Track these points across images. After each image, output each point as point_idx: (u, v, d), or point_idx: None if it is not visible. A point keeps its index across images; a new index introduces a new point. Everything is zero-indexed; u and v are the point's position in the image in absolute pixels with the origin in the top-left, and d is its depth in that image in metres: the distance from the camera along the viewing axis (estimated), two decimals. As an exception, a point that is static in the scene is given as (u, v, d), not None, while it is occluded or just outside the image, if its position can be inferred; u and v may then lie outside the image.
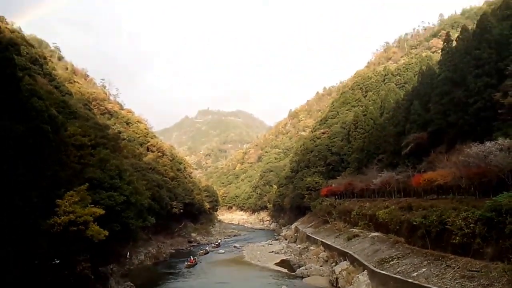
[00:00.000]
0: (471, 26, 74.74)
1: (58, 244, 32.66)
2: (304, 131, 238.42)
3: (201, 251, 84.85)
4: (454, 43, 63.32)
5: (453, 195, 44.54)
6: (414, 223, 42.98)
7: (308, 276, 54.82)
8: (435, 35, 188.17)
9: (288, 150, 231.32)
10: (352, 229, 65.04)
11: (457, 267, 32.45)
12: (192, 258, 72.57)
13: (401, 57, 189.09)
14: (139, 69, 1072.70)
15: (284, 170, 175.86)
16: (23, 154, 30.32)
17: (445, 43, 65.04)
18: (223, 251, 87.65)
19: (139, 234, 50.59)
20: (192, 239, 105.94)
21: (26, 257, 29.25)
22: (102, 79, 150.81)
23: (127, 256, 62.70)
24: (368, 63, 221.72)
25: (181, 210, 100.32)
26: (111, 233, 37.43)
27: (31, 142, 31.75)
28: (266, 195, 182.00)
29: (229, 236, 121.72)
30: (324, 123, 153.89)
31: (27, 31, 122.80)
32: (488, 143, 38.17)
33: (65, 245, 33.27)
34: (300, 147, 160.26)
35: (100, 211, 36.87)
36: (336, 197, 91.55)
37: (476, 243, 32.82)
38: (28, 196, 29.46)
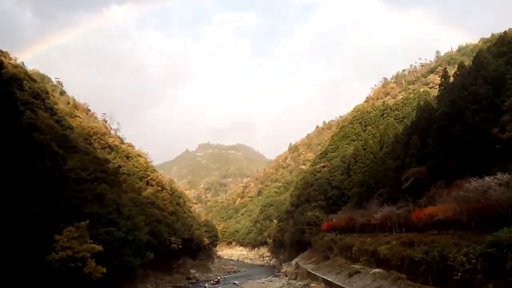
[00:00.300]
0: (468, 62, 76.12)
1: (56, 280, 32.27)
2: (304, 164, 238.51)
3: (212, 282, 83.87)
4: (451, 79, 64.27)
5: (454, 230, 44.08)
6: (416, 259, 42.65)
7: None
8: (432, 71, 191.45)
9: (288, 184, 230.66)
10: (354, 265, 64.14)
11: (460, 305, 32.03)
12: None
13: (399, 92, 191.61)
14: (141, 103, 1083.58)
15: (284, 204, 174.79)
16: (23, 189, 30.32)
17: (442, 79, 66.12)
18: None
19: (137, 270, 49.86)
20: (191, 276, 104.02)
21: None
22: (104, 114, 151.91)
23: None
24: (367, 98, 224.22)
25: (180, 246, 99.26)
26: (109, 270, 36.97)
27: (31, 177, 31.79)
28: (266, 230, 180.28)
29: (228, 272, 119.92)
30: (324, 157, 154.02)
31: (30, 66, 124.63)
32: (487, 178, 38.16)
33: (63, 282, 32.86)
34: (300, 181, 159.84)
35: (98, 248, 36.60)
36: (337, 232, 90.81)
37: (478, 279, 32.48)
38: (27, 231, 29.33)
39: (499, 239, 30.84)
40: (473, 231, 39.93)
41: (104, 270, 35.61)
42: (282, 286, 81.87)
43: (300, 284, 77.64)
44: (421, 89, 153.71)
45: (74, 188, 44.80)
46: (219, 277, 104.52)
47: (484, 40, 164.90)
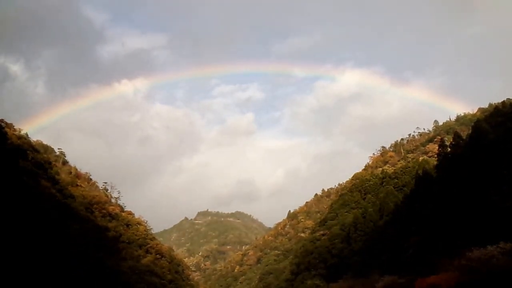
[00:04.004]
0: (466, 131, 77.86)
1: None
2: (303, 232, 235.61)
3: None
4: (449, 149, 65.58)
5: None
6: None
7: None
8: (430, 140, 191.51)
9: (287, 251, 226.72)
10: None
11: None
12: None
13: (398, 161, 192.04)
14: (145, 172, 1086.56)
15: (284, 272, 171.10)
16: (24, 256, 30.54)
17: (440, 148, 67.39)
18: None
19: None
20: None
21: None
22: (105, 183, 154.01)
23: None
24: (366, 166, 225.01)
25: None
26: None
27: (31, 243, 32.07)
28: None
29: None
30: (324, 225, 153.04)
31: (38, 136, 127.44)
32: (489, 247, 38.22)
33: None
34: (300, 248, 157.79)
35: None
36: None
37: None
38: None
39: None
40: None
41: None
42: None
43: None
44: (420, 158, 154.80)
45: (74, 255, 44.75)
46: None
47: (481, 110, 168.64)
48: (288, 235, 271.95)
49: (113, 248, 62.92)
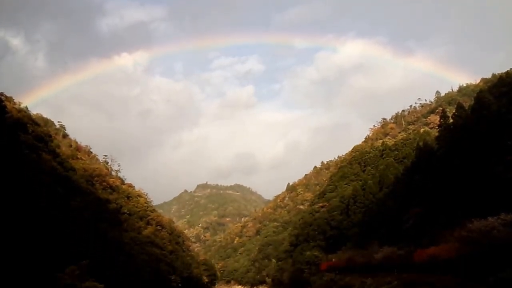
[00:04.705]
0: (469, 102, 76.76)
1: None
2: (302, 204, 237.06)
3: None
4: (451, 120, 64.95)
5: (457, 271, 43.76)
6: (419, 300, 42.50)
7: None
8: (432, 111, 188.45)
9: (286, 223, 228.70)
10: (354, 306, 63.36)
11: None
12: None
13: (399, 132, 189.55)
14: (146, 145, 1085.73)
15: (283, 243, 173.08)
16: (27, 228, 30.60)
17: (442, 119, 66.73)
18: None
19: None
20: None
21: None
22: (105, 155, 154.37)
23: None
24: (366, 138, 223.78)
25: (180, 285, 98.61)
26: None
27: (35, 217, 32.10)
28: (264, 269, 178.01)
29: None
30: (323, 197, 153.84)
31: (39, 109, 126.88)
32: (490, 218, 38.18)
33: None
34: (299, 220, 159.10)
35: (99, 286, 36.54)
36: (337, 272, 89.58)
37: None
38: (31, 269, 29.48)
39: (502, 279, 30.85)
40: (477, 272, 39.33)
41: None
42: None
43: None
44: (421, 130, 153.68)
45: (76, 228, 44.93)
46: None
47: (484, 80, 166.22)
48: (287, 208, 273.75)
49: (115, 220, 63.31)
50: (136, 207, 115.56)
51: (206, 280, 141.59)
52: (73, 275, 35.43)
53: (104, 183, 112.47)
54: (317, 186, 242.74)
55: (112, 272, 42.17)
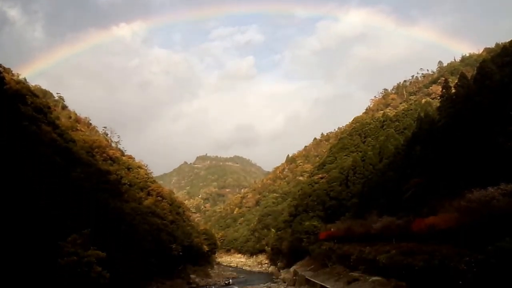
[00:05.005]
0: (471, 72, 75.85)
1: (65, 285, 32.67)
2: (302, 176, 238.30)
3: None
4: (453, 90, 64.49)
5: (456, 240, 44.16)
6: (416, 267, 42.97)
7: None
8: (434, 81, 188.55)
9: (286, 194, 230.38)
10: (352, 273, 64.17)
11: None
12: None
13: (400, 103, 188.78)
14: (145, 117, 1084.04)
15: (282, 214, 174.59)
16: (29, 199, 30.75)
17: (444, 90, 66.25)
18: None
19: (141, 275, 50.49)
20: (191, 281, 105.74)
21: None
22: (104, 127, 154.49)
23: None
24: (367, 109, 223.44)
25: (181, 253, 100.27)
26: (114, 275, 37.32)
27: (36, 188, 32.21)
28: (264, 238, 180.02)
29: (227, 278, 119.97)
30: (322, 168, 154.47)
31: (38, 81, 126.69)
32: (490, 188, 38.12)
33: (72, 286, 33.24)
34: (298, 191, 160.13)
35: (102, 254, 36.96)
36: (335, 241, 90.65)
37: (478, 288, 32.58)
38: (34, 237, 29.76)
39: (501, 249, 31.11)
40: (476, 242, 39.68)
41: (108, 275, 35.90)
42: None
43: (298, 290, 78.04)
44: (423, 100, 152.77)
45: (78, 198, 45.11)
46: (230, 280, 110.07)
47: (488, 50, 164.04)
48: (286, 179, 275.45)
49: (116, 191, 63.60)
50: (137, 178, 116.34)
51: (207, 249, 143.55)
52: (75, 243, 35.80)
53: (104, 155, 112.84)
54: (317, 158, 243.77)
55: (114, 241, 42.62)
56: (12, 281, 26.62)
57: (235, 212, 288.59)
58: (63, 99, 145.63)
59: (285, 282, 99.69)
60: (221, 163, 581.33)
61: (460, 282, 34.77)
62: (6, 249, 26.97)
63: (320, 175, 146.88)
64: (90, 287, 34.71)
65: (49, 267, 31.72)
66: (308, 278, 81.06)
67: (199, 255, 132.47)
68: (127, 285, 53.38)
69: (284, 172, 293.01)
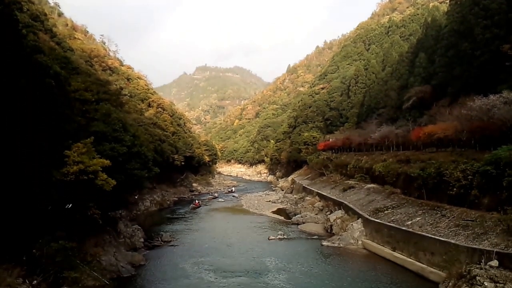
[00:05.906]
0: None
1: (70, 192, 33.65)
2: (302, 86, 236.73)
3: (210, 196, 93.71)
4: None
5: (453, 148, 44.59)
6: (412, 175, 43.73)
7: (303, 223, 56.49)
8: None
9: (286, 106, 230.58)
10: (348, 181, 65.92)
11: (452, 216, 33.17)
12: (196, 201, 78.71)
13: (407, 7, 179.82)
14: (143, 26, 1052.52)
15: (281, 125, 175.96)
16: (30, 108, 30.68)
17: (452, -7, 62.59)
18: (222, 200, 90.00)
19: (144, 183, 51.99)
20: (193, 189, 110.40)
21: (41, 203, 30.20)
22: (102, 35, 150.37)
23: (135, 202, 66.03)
24: (372, 14, 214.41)
25: (183, 163, 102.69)
26: (118, 183, 38.29)
27: (37, 97, 31.99)
28: (263, 149, 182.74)
29: (228, 186, 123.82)
30: (324, 78, 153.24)
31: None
32: (492, 96, 37.70)
33: (77, 193, 34.26)
34: (298, 102, 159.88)
35: (106, 162, 37.57)
36: (333, 151, 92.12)
37: (473, 194, 33.48)
38: (40, 146, 30.11)
39: (498, 156, 31.32)
40: (473, 149, 40.20)
41: (114, 182, 36.77)
42: (279, 199, 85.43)
43: (295, 197, 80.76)
44: (431, 4, 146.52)
45: (79, 108, 45.08)
46: (233, 188, 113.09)
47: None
48: (286, 90, 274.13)
49: (117, 101, 63.26)
50: (137, 89, 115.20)
51: (208, 160, 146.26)
52: (80, 152, 36.27)
53: (103, 64, 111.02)
54: (319, 67, 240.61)
55: (117, 150, 43.19)
56: (17, 192, 27.30)
57: (235, 124, 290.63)
58: (58, 6, 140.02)
59: (283, 190, 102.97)
60: (221, 74, 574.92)
61: (455, 189, 35.47)
62: (11, 160, 27.43)
63: (321, 86, 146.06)
64: (95, 193, 35.88)
65: (55, 176, 32.46)
66: (306, 186, 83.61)
67: (200, 165, 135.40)
68: (132, 191, 55.38)
69: (285, 83, 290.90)
